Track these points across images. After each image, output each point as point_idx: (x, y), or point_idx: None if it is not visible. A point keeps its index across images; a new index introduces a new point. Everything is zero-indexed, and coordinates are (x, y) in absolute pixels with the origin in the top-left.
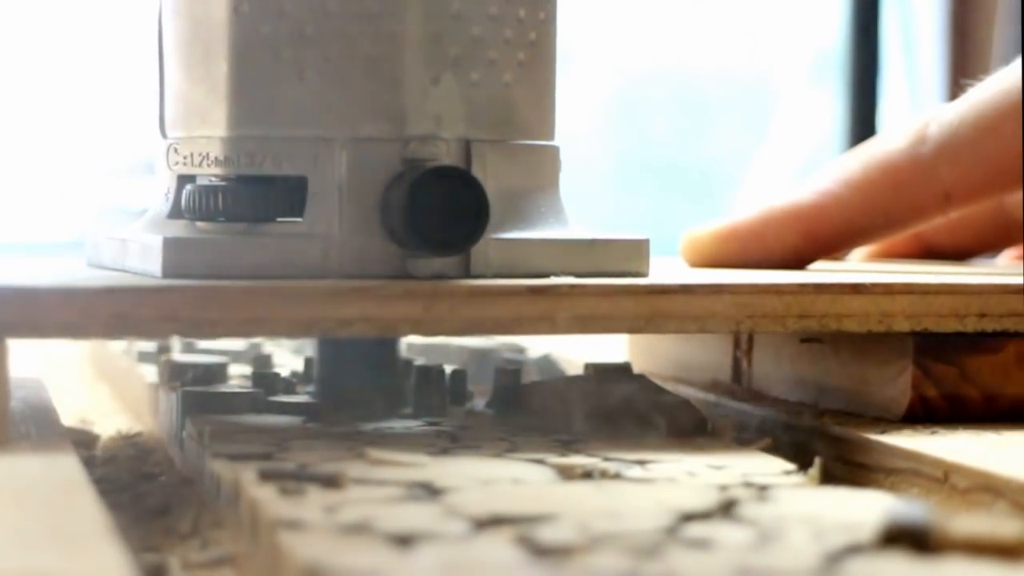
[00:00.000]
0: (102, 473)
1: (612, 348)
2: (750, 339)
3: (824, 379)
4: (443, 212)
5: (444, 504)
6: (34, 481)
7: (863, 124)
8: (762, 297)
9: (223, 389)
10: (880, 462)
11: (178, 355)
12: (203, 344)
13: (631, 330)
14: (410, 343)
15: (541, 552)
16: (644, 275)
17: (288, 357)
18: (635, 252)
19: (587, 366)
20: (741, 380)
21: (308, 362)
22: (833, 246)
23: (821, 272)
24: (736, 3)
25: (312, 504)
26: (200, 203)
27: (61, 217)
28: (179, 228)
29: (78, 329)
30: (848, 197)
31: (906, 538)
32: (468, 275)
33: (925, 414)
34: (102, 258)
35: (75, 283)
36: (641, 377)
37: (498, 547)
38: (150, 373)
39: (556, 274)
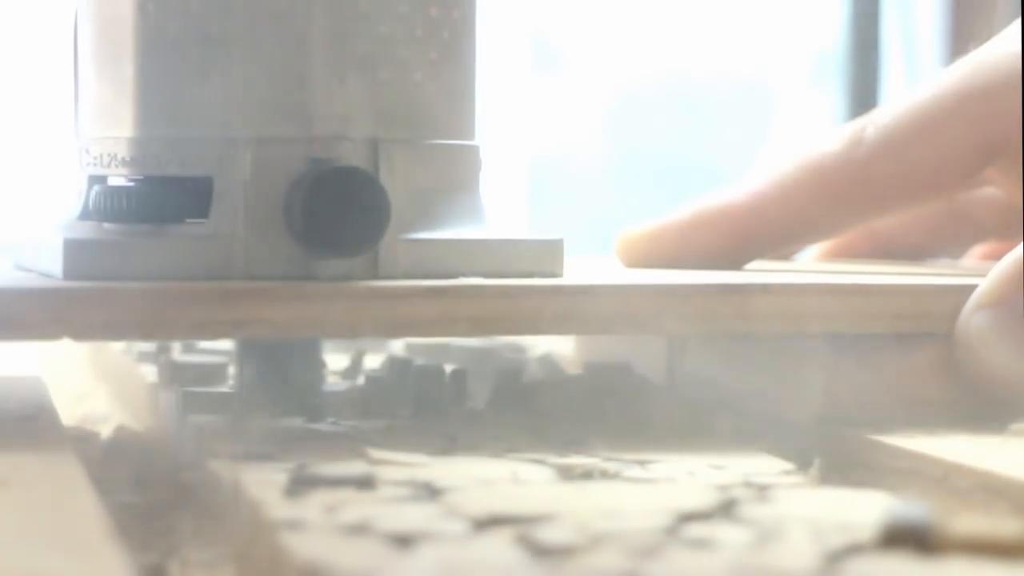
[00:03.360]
0: (102, 473)
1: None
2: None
3: (745, 381)
4: (343, 213)
5: (444, 504)
6: (34, 481)
7: None
8: (668, 298)
9: (223, 389)
10: (880, 462)
11: (178, 355)
12: (203, 344)
13: (534, 331)
14: (410, 343)
15: (541, 552)
16: (559, 276)
17: None
18: (549, 253)
19: (588, 366)
20: (675, 381)
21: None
22: (766, 247)
23: (752, 272)
24: (736, 3)
25: (312, 504)
26: (106, 204)
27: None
28: (85, 230)
29: None
30: (780, 199)
31: (906, 538)
32: (376, 276)
33: (839, 417)
34: (24, 260)
35: None
36: (641, 376)
37: (498, 547)
38: (150, 373)
39: (467, 275)
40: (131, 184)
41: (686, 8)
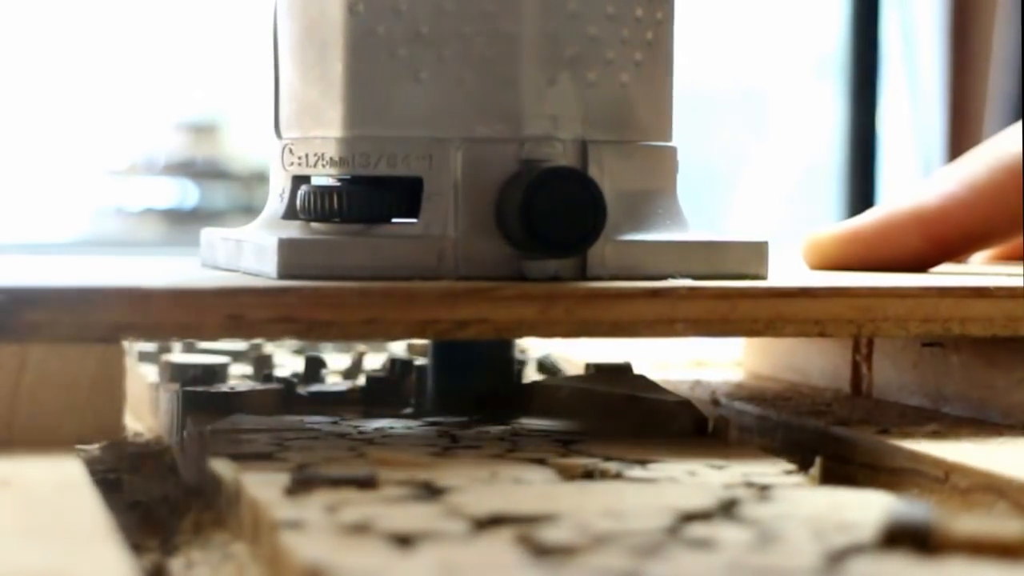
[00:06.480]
0: (103, 473)
1: (728, 350)
2: (870, 343)
3: (945, 384)
4: (559, 213)
5: (445, 504)
6: (35, 481)
7: (863, 124)
8: (884, 300)
9: (223, 389)
10: (881, 462)
11: (178, 355)
12: (203, 344)
13: (749, 333)
14: (411, 343)
15: (542, 552)
16: (763, 278)
17: (288, 357)
18: (754, 254)
19: (588, 366)
20: (861, 386)
21: (404, 364)
22: (957, 250)
23: (944, 275)
24: (737, 3)
25: (313, 504)
26: (315, 204)
27: (61, 217)
28: (294, 229)
29: (192, 330)
30: (973, 200)
31: (907, 538)
32: (584, 277)
33: None
34: (217, 258)
35: (188, 284)
36: (642, 377)
37: (498, 547)
38: (150, 373)
39: (673, 276)
40: (340, 184)
41: (686, 8)
